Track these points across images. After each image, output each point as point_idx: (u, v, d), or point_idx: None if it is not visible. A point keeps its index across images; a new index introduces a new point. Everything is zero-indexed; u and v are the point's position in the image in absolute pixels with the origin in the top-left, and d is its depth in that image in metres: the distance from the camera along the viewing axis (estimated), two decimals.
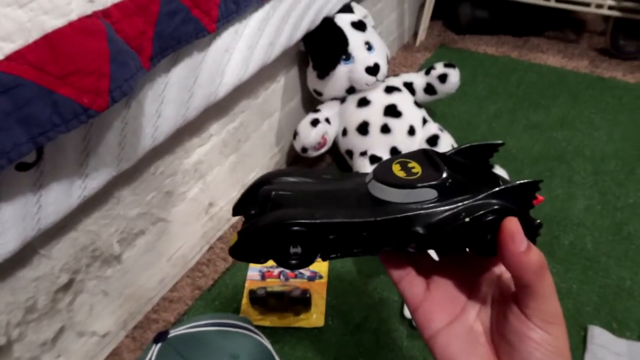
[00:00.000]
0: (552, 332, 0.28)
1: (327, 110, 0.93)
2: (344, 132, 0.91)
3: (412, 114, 0.89)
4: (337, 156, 0.99)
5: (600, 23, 1.43)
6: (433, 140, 0.87)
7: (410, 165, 0.32)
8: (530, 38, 1.39)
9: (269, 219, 0.30)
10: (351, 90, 0.91)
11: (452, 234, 0.30)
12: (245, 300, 0.74)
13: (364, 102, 0.90)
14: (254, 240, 0.30)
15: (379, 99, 0.90)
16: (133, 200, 0.66)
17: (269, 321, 0.71)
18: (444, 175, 0.30)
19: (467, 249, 0.32)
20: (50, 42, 0.42)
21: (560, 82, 1.20)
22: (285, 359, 0.67)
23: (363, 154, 0.88)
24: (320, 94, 0.94)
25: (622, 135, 1.02)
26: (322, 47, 0.87)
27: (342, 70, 0.89)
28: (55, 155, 0.49)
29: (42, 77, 0.42)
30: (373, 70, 0.88)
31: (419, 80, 0.96)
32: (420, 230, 0.30)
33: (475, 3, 1.40)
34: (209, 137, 0.76)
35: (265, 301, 0.70)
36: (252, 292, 0.70)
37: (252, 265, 0.78)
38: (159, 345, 0.52)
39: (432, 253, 0.35)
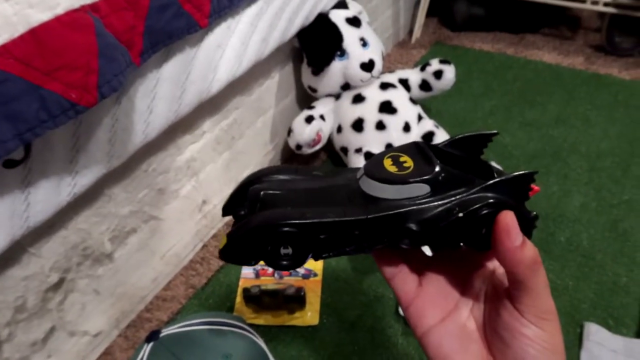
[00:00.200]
0: (546, 328, 0.28)
1: (322, 107, 0.92)
2: (339, 129, 0.91)
3: (407, 111, 0.89)
4: (332, 153, 0.98)
5: (595, 20, 1.43)
6: (428, 136, 0.87)
7: (402, 159, 0.32)
8: (526, 35, 1.39)
9: (258, 220, 0.29)
10: (346, 86, 0.91)
11: (446, 229, 0.29)
12: (239, 298, 0.73)
13: (358, 99, 0.89)
14: (244, 243, 0.29)
15: (374, 96, 0.89)
16: (125, 198, 0.65)
17: (263, 319, 0.70)
18: (437, 169, 0.30)
19: (462, 244, 0.31)
20: (37, 36, 0.42)
21: (556, 79, 1.20)
22: (280, 358, 0.66)
23: (358, 150, 0.87)
24: (314, 90, 0.93)
25: (617, 132, 1.01)
26: (316, 43, 0.86)
27: (336, 67, 0.88)
28: (43, 152, 0.49)
29: (29, 72, 0.41)
30: (368, 66, 0.88)
31: (414, 76, 0.96)
32: (413, 226, 0.29)
33: (471, 0, 1.40)
34: (202, 134, 0.76)
35: (259, 299, 0.70)
36: (246, 291, 0.70)
37: None
38: (150, 344, 0.52)
39: (425, 249, 0.35)
